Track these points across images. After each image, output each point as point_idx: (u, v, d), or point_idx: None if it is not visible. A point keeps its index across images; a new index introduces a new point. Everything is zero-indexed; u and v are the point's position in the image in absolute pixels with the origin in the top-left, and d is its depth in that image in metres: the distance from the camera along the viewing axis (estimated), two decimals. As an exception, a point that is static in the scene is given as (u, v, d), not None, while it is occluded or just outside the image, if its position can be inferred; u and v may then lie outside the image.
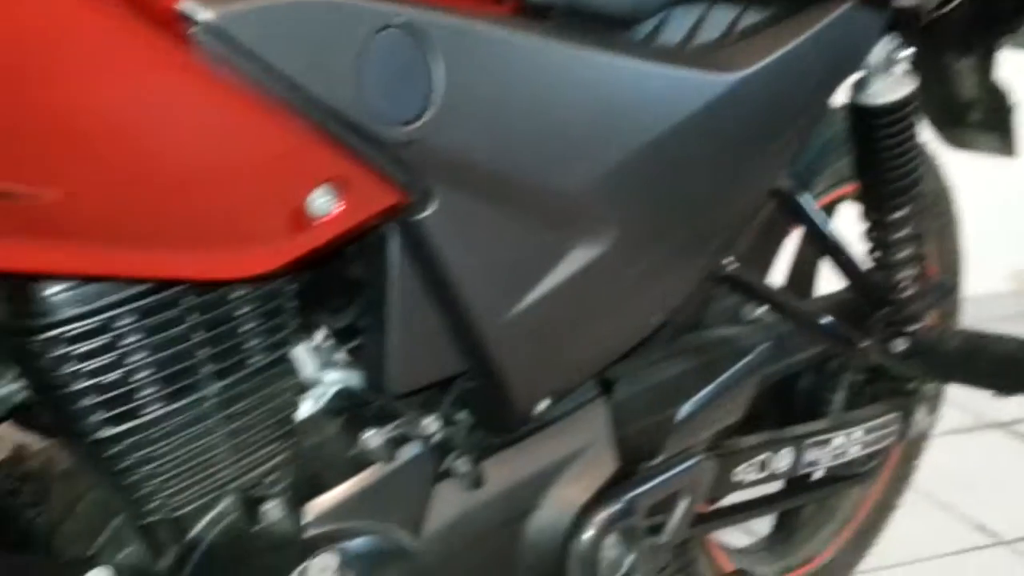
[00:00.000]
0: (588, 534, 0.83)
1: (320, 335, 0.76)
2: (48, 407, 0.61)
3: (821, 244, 1.05)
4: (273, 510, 0.66)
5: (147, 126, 0.48)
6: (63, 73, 0.43)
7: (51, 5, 0.42)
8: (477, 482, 0.76)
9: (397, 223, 0.66)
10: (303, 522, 0.66)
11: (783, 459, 1.01)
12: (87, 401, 0.59)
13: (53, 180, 0.45)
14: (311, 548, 0.65)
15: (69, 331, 0.57)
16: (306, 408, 0.72)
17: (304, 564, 0.64)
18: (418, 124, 0.61)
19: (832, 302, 1.09)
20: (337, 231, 0.58)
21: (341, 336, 0.77)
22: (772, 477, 1.00)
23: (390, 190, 0.62)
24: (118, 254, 0.49)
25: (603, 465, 0.85)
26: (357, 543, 0.67)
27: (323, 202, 0.56)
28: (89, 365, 0.58)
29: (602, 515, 0.84)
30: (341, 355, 0.77)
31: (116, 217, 0.48)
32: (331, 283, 0.75)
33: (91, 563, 0.66)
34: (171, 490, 0.64)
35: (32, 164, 0.44)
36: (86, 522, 0.69)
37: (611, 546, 0.85)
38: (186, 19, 0.48)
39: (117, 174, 0.46)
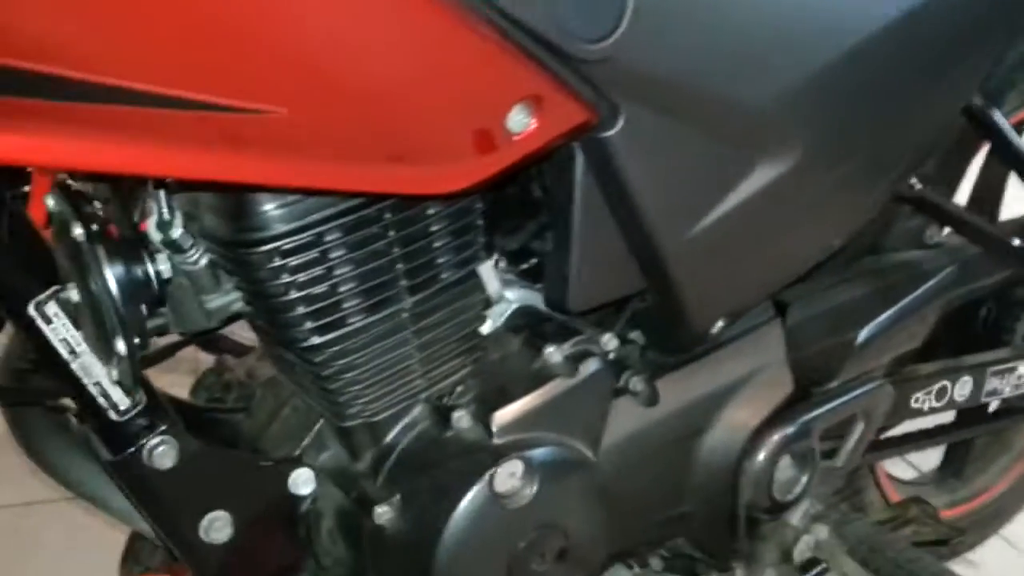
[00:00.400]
0: (761, 455, 0.83)
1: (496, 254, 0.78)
2: (261, 316, 0.66)
3: (1012, 162, 0.99)
4: (463, 418, 0.69)
5: (360, 43, 0.49)
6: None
7: None
8: (652, 400, 0.77)
9: (583, 141, 0.66)
10: (491, 431, 0.69)
11: (963, 388, 0.97)
12: (297, 311, 0.63)
13: (279, 98, 0.47)
14: (498, 455, 0.68)
15: (283, 245, 0.60)
16: (489, 324, 0.74)
17: (492, 470, 0.67)
18: (609, 41, 0.61)
19: (1021, 225, 1.03)
20: (531, 148, 0.59)
21: (513, 257, 0.79)
22: (950, 405, 0.97)
23: (580, 108, 0.62)
24: (331, 168, 0.52)
25: (778, 387, 0.85)
26: (540, 452, 0.70)
27: (519, 119, 0.57)
28: (300, 277, 0.62)
29: (776, 437, 0.83)
30: (513, 275, 0.79)
31: (331, 133, 0.50)
32: (507, 203, 0.76)
33: (297, 462, 0.72)
34: (369, 397, 0.68)
35: (262, 83, 0.47)
36: (290, 426, 0.75)
37: (785, 468, 0.85)
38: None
39: (334, 91, 0.48)
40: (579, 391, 0.73)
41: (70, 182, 0.58)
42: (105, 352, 0.59)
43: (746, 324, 0.84)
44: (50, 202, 0.59)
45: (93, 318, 0.58)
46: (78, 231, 0.56)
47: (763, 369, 0.84)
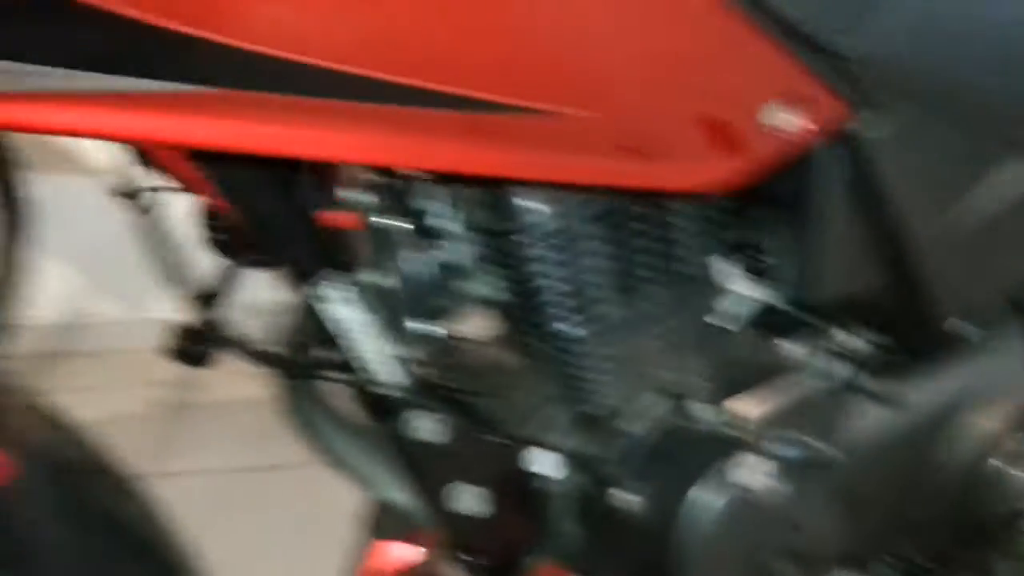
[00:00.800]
0: (1000, 461, 0.81)
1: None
2: (518, 303, 0.70)
3: None
4: (704, 411, 0.71)
5: (628, 43, 0.52)
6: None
7: None
8: (890, 401, 0.76)
9: (836, 138, 0.66)
10: (732, 425, 0.71)
11: None
12: (555, 301, 0.66)
13: (558, 99, 0.51)
14: (736, 446, 0.69)
15: (549, 238, 0.64)
16: (726, 318, 0.76)
17: (735, 464, 0.69)
18: (870, 38, 0.61)
19: None
20: (791, 146, 0.60)
21: (742, 250, 0.80)
22: None
23: (836, 104, 0.63)
24: (600, 165, 0.54)
25: (1019, 391, 0.82)
26: (781, 448, 0.71)
27: (781, 117, 0.59)
28: (559, 268, 0.65)
29: (1017, 442, 0.81)
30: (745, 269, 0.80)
31: (600, 131, 0.53)
32: (747, 198, 0.77)
33: (539, 445, 0.75)
34: (613, 386, 0.71)
35: (544, 86, 0.50)
36: (530, 410, 0.79)
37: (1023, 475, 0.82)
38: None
39: (606, 92, 0.51)
40: (819, 389, 0.73)
41: (372, 176, 0.65)
42: (395, 332, 0.65)
43: (990, 326, 0.81)
44: (350, 194, 0.65)
45: (387, 301, 0.64)
46: (382, 221, 0.61)
47: (1004, 371, 0.82)
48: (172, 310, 2.29)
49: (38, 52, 0.37)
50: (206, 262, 2.10)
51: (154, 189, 1.87)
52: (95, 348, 2.26)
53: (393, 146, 0.46)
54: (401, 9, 0.44)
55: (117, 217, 2.00)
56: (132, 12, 0.38)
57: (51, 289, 2.34)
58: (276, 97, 0.43)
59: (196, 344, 1.96)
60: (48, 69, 0.38)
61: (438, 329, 0.64)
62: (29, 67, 0.37)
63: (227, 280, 2.04)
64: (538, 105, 0.50)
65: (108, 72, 0.39)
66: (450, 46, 0.46)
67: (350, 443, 0.86)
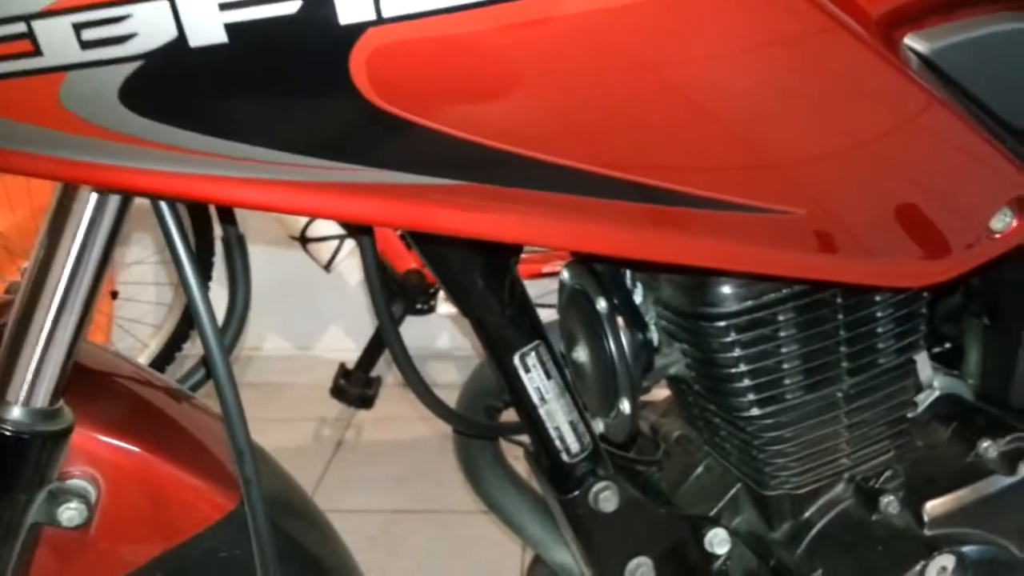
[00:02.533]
0: None
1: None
2: (702, 382, 0.71)
3: None
4: (891, 504, 0.70)
5: (876, 151, 0.53)
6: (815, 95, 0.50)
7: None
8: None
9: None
10: (922, 520, 0.69)
11: None
12: (742, 383, 0.67)
13: (805, 201, 0.52)
14: (930, 547, 0.67)
15: (738, 321, 0.65)
16: (918, 410, 0.74)
17: (924, 562, 0.67)
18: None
19: None
20: (1008, 246, 0.59)
21: (941, 343, 0.79)
22: None
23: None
24: (831, 262, 0.55)
25: None
26: (972, 549, 0.68)
27: (1002, 219, 0.58)
28: (749, 352, 0.66)
29: None
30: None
31: (839, 231, 0.54)
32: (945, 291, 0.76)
33: (713, 522, 0.76)
34: (795, 470, 0.71)
35: (793, 192, 0.52)
36: (704, 486, 0.79)
37: None
38: (907, 48, 0.52)
39: (851, 197, 0.52)
40: (1015, 490, 0.70)
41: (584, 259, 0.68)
42: (602, 407, 0.67)
43: None
44: (565, 275, 0.68)
45: (598, 377, 0.67)
46: (601, 303, 0.64)
47: None
48: (340, 351, 2.41)
49: (332, 148, 0.42)
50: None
51: (335, 237, 1.99)
52: (264, 380, 2.39)
53: (617, 239, 0.49)
54: (630, 113, 0.47)
55: (294, 258, 2.13)
56: (411, 116, 0.42)
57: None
58: (515, 191, 0.46)
59: (361, 386, 2.05)
60: (335, 163, 0.43)
61: (626, 409, 0.66)
62: (320, 161, 0.43)
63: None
64: (750, 202, 0.52)
65: (386, 167, 0.44)
66: (669, 145, 0.49)
67: (521, 502, 0.89)
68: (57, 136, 0.40)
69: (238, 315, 0.71)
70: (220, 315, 0.61)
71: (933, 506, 0.69)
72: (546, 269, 1.98)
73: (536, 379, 0.69)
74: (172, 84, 0.39)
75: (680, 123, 0.47)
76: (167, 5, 0.37)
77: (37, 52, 0.38)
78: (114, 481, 0.58)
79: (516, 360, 0.68)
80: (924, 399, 0.75)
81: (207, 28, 0.38)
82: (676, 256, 0.51)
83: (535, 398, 0.69)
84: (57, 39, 0.38)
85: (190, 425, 0.67)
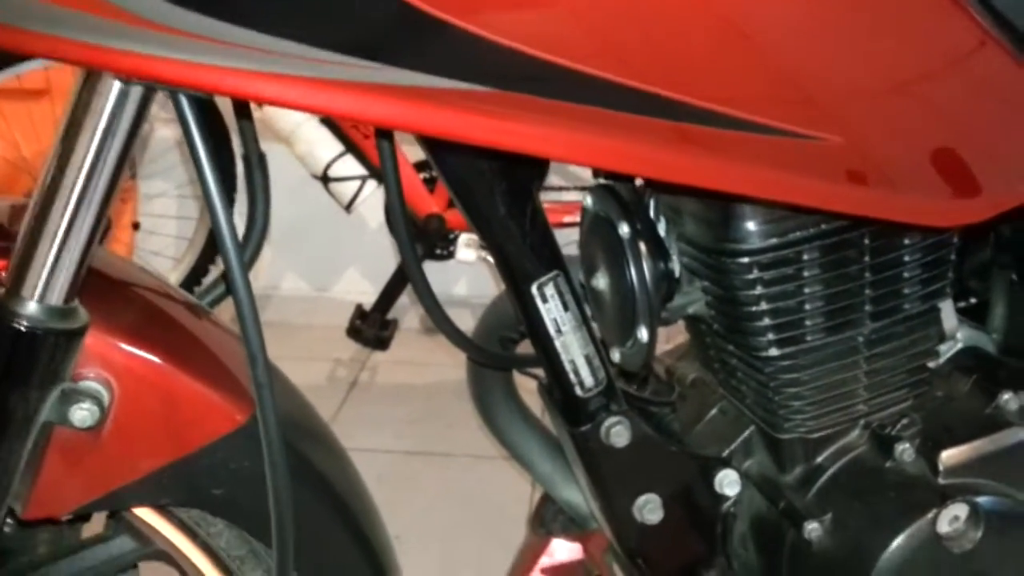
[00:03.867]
0: None
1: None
2: (722, 321, 0.70)
3: None
4: (906, 451, 0.69)
5: (920, 87, 0.51)
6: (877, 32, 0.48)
7: None
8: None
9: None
10: (937, 469, 0.68)
11: None
12: (762, 322, 0.66)
13: (838, 128, 0.51)
14: (944, 495, 0.66)
15: (762, 258, 0.64)
16: (939, 360, 0.73)
17: (937, 509, 0.66)
18: None
19: None
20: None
21: (966, 294, 0.77)
22: None
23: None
24: (868, 194, 0.54)
25: None
26: (986, 500, 0.67)
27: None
28: (772, 290, 0.65)
29: None
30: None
31: (877, 162, 0.53)
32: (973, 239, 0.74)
33: (724, 463, 0.75)
34: (810, 413, 0.70)
35: (827, 116, 0.51)
36: (717, 428, 0.79)
37: None
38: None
39: (889, 125, 0.51)
40: (1031, 443, 0.69)
41: (610, 184, 0.67)
42: (619, 336, 0.66)
43: None
44: (588, 200, 0.67)
45: (617, 304, 0.66)
46: (624, 229, 0.63)
47: None
48: (358, 293, 2.41)
49: (362, 45, 0.41)
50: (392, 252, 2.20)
51: (356, 178, 1.98)
52: (281, 320, 2.40)
53: (648, 157, 0.48)
54: (669, 29, 0.45)
55: (314, 199, 2.13)
56: (453, 19, 0.41)
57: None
58: (547, 102, 0.45)
59: (377, 328, 2.06)
60: (363, 61, 0.42)
61: (644, 337, 0.65)
62: (347, 58, 0.42)
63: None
64: (784, 126, 0.50)
65: (419, 70, 0.43)
66: (707, 64, 0.48)
67: (532, 438, 0.89)
68: (87, 19, 0.40)
69: (258, 230, 0.71)
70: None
71: (949, 455, 0.68)
72: (567, 219, 1.96)
73: (553, 310, 0.68)
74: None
75: (719, 43, 0.46)
76: None
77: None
78: (128, 386, 0.58)
79: (534, 289, 0.67)
80: (946, 350, 0.74)
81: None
82: (706, 179, 0.50)
83: (551, 329, 0.68)
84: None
85: (206, 339, 0.67)
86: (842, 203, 0.56)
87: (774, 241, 0.64)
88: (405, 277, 2.11)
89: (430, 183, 2.05)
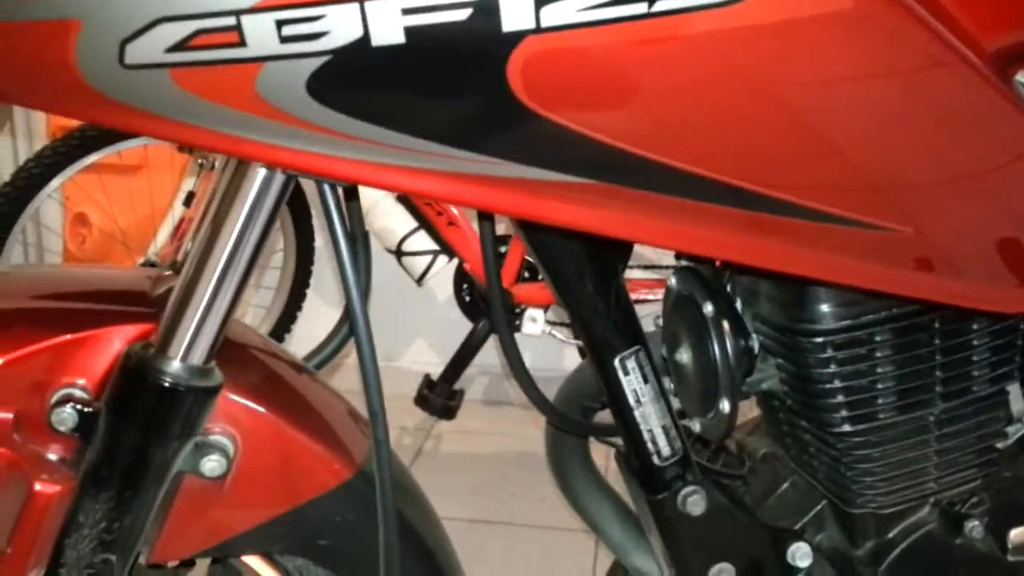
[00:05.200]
0: None
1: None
2: (795, 397, 0.73)
3: None
4: (976, 529, 0.71)
5: (983, 182, 0.56)
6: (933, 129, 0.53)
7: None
8: None
9: None
10: (1006, 547, 0.70)
11: None
12: (836, 399, 0.69)
13: (910, 221, 0.55)
14: (1012, 573, 0.69)
15: (836, 339, 0.68)
16: (1008, 440, 0.75)
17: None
18: None
19: None
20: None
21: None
22: None
23: None
24: (930, 280, 0.58)
25: None
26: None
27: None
28: (845, 369, 0.68)
29: None
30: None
31: (946, 252, 0.57)
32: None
33: (797, 536, 0.78)
34: (881, 489, 0.73)
35: (903, 210, 0.55)
36: (789, 501, 0.81)
37: None
38: (1020, 85, 0.55)
39: (960, 221, 0.55)
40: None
41: (694, 266, 0.72)
42: (701, 407, 0.71)
43: None
44: (673, 281, 0.73)
45: (700, 378, 0.70)
46: (708, 308, 0.68)
47: None
48: (425, 363, 2.48)
49: (481, 141, 0.48)
50: (462, 323, 2.26)
51: (428, 253, 2.06)
52: (348, 388, 2.46)
53: (728, 243, 0.53)
54: (751, 127, 0.51)
55: (386, 271, 2.21)
56: (555, 117, 0.47)
57: (313, 328, 2.60)
58: (640, 192, 0.51)
59: (444, 397, 2.11)
60: (481, 156, 0.48)
61: (726, 409, 0.69)
62: (467, 153, 0.48)
63: (475, 341, 2.19)
64: (856, 217, 0.55)
65: (525, 163, 0.49)
66: (785, 159, 0.53)
67: (606, 505, 0.92)
68: (247, 118, 0.46)
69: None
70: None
71: (1017, 533, 0.70)
72: (633, 296, 2.01)
73: (634, 382, 0.72)
74: (352, 77, 0.45)
75: (795, 141, 0.51)
76: (357, 8, 0.43)
77: (242, 43, 0.44)
78: (249, 440, 0.64)
79: (616, 362, 0.72)
80: (1014, 431, 0.76)
81: (389, 30, 0.44)
82: (781, 264, 0.55)
83: (631, 400, 0.73)
84: (261, 33, 0.43)
85: (313, 397, 0.73)
86: (911, 289, 0.60)
87: (848, 323, 0.68)
88: (473, 348, 2.17)
89: (498, 259, 2.12)
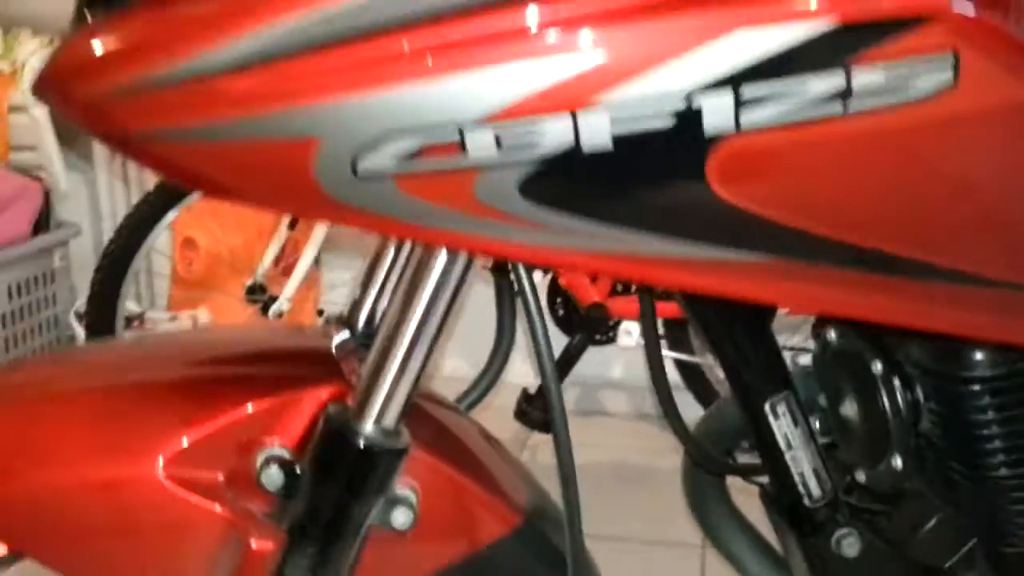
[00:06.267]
0: None
1: None
2: (948, 440, 0.75)
3: None
4: None
5: None
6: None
7: None
8: None
9: None
10: None
11: None
12: (992, 444, 0.71)
13: None
14: None
15: (993, 385, 0.69)
16: None
17: None
18: None
19: None
20: None
21: None
22: None
23: None
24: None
25: None
26: None
27: None
28: (1003, 415, 0.70)
29: None
30: None
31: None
32: None
33: (947, 574, 0.79)
34: (1037, 530, 0.74)
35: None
36: (938, 539, 0.82)
37: None
38: None
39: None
40: None
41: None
42: (868, 459, 0.73)
43: None
44: (832, 335, 0.75)
45: (867, 431, 0.73)
46: (877, 366, 0.71)
47: None
48: (522, 377, 2.52)
49: (679, 229, 0.51)
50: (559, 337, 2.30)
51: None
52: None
53: (905, 310, 0.56)
54: (926, 210, 0.53)
55: (480, 285, 2.25)
56: (745, 205, 0.50)
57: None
58: (816, 267, 0.54)
59: (542, 410, 2.15)
60: (677, 241, 0.51)
61: (898, 465, 0.71)
62: (665, 239, 0.51)
63: (570, 355, 2.22)
64: (1005, 279, 0.57)
65: (711, 243, 0.52)
66: (952, 236, 0.55)
67: (744, 540, 0.94)
68: (464, 217, 0.50)
69: (506, 340, 0.81)
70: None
71: None
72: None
73: (784, 426, 0.74)
74: (562, 180, 0.49)
75: (983, 216, 0.53)
76: (570, 120, 0.47)
77: (463, 153, 0.48)
78: (429, 491, 0.68)
79: (767, 407, 0.74)
80: None
81: (598, 139, 0.47)
82: (952, 327, 0.58)
83: (782, 443, 0.75)
84: (481, 144, 0.47)
85: (473, 445, 0.77)
86: None
87: (1003, 370, 0.69)
88: (568, 363, 2.20)
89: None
